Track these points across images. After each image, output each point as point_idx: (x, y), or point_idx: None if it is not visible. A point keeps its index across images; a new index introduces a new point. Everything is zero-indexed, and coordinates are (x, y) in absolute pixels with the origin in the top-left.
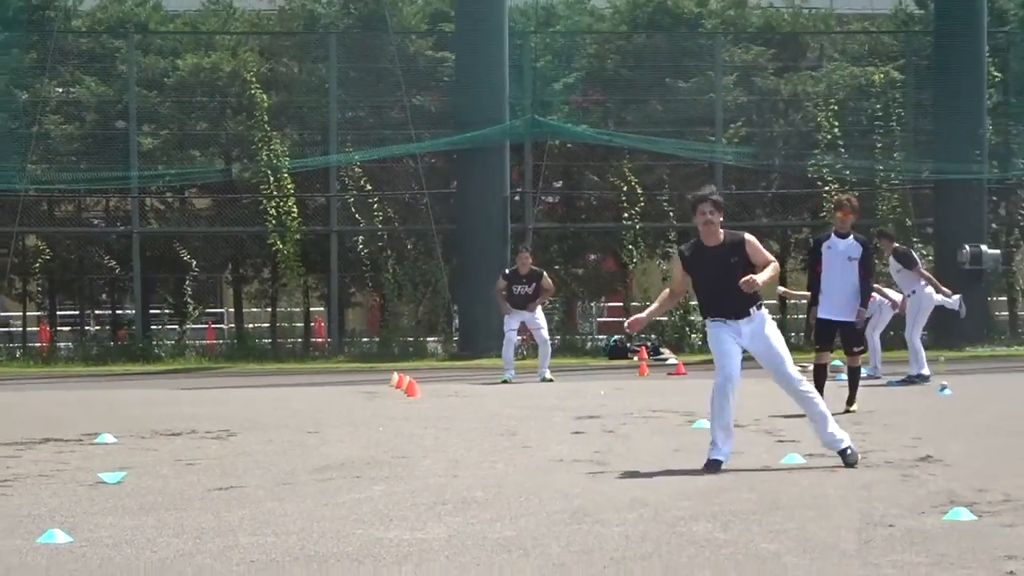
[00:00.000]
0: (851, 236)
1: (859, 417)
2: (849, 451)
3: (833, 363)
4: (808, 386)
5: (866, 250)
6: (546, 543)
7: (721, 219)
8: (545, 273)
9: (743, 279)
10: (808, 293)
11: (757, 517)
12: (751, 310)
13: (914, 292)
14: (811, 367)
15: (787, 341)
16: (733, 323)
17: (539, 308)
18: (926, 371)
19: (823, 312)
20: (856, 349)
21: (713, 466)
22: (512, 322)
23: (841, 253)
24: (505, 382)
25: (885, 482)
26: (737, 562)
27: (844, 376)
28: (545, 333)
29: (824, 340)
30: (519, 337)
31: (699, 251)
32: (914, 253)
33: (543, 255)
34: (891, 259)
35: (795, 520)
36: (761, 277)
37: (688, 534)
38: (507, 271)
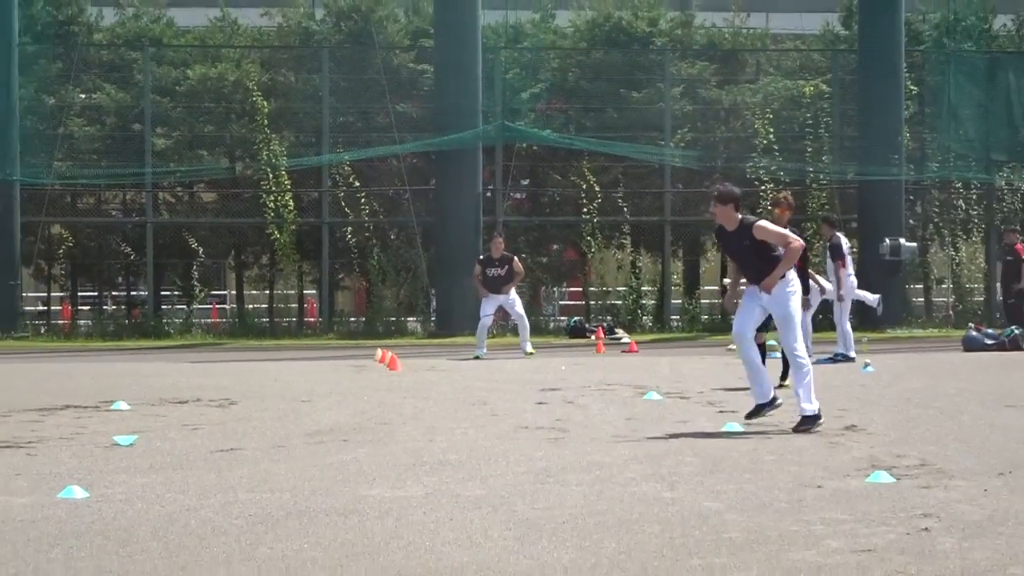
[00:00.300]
0: (787, 230)
1: (791, 392)
2: (814, 419)
3: (769, 342)
4: (802, 355)
5: None
6: (512, 501)
7: (730, 208)
8: (516, 258)
9: (762, 283)
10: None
11: (700, 478)
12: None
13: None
14: None
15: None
16: (757, 289)
17: (512, 290)
18: (852, 353)
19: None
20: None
21: (756, 411)
22: (488, 307)
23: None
24: (476, 358)
25: (814, 448)
26: (683, 518)
27: (778, 354)
28: (520, 309)
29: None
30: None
31: (722, 234)
32: (844, 247)
33: (511, 245)
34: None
35: (734, 481)
36: (774, 275)
37: (639, 493)
38: (481, 256)
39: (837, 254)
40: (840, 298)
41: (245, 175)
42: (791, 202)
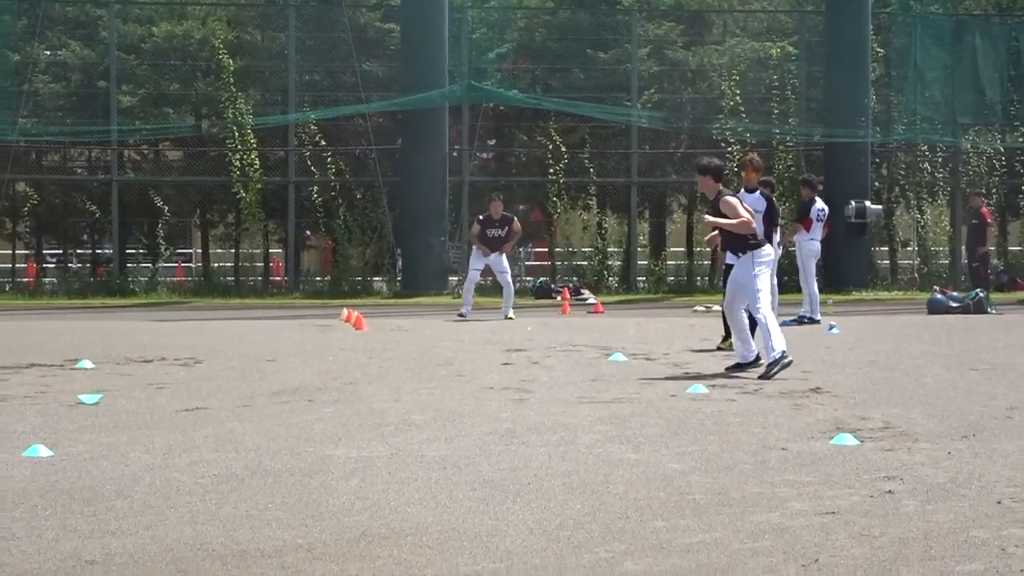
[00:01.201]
0: (757, 192)
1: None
2: (778, 361)
3: None
4: (765, 312)
5: (770, 204)
6: (477, 461)
7: (708, 179)
8: (515, 218)
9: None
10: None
11: (665, 440)
12: (739, 253)
13: (797, 242)
14: (716, 308)
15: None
16: (735, 258)
17: (504, 255)
18: (818, 316)
19: (730, 259)
20: None
21: (735, 368)
22: (477, 263)
23: (748, 206)
24: (461, 316)
25: (779, 410)
26: (647, 479)
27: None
28: (508, 278)
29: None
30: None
31: (712, 203)
32: (814, 209)
33: (477, 204)
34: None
35: (699, 443)
36: (713, 220)
37: (604, 454)
38: (481, 216)
39: (803, 214)
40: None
41: (211, 133)
42: (756, 163)
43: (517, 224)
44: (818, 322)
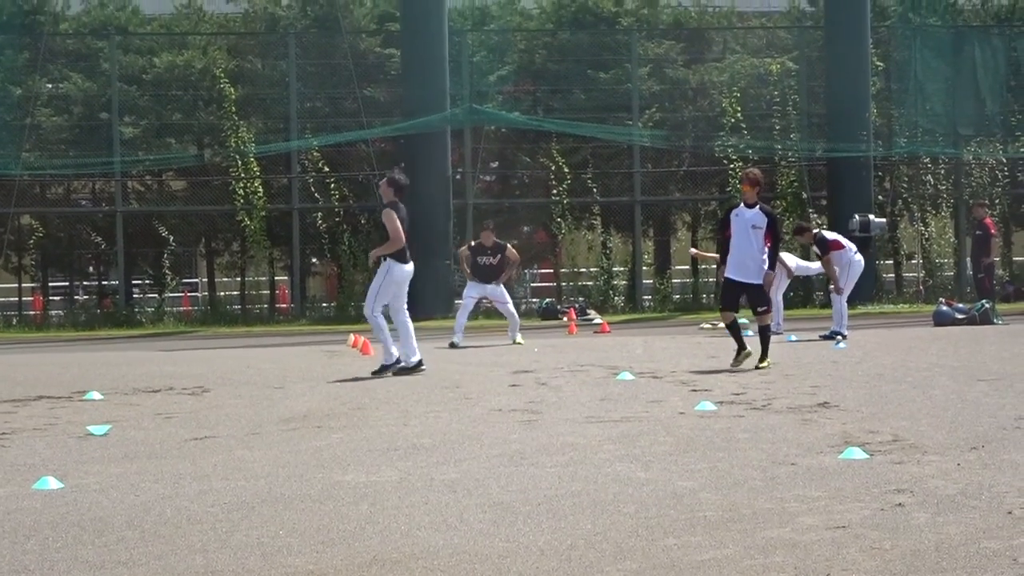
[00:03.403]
0: (757, 207)
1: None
2: (405, 365)
3: (741, 320)
4: (406, 319)
5: (771, 219)
6: (487, 484)
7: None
8: (509, 245)
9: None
10: (717, 255)
11: (674, 458)
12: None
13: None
14: (722, 325)
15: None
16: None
17: (502, 285)
18: (845, 331)
19: (730, 273)
20: (760, 309)
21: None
22: (472, 290)
23: (747, 221)
24: (453, 345)
25: (787, 426)
26: (657, 498)
27: (751, 332)
28: (511, 307)
29: (728, 300)
30: (485, 303)
31: None
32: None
33: (481, 227)
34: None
35: (708, 460)
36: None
37: (613, 474)
38: (472, 243)
39: (824, 248)
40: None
41: (214, 162)
42: (756, 177)
43: (512, 252)
44: (846, 337)
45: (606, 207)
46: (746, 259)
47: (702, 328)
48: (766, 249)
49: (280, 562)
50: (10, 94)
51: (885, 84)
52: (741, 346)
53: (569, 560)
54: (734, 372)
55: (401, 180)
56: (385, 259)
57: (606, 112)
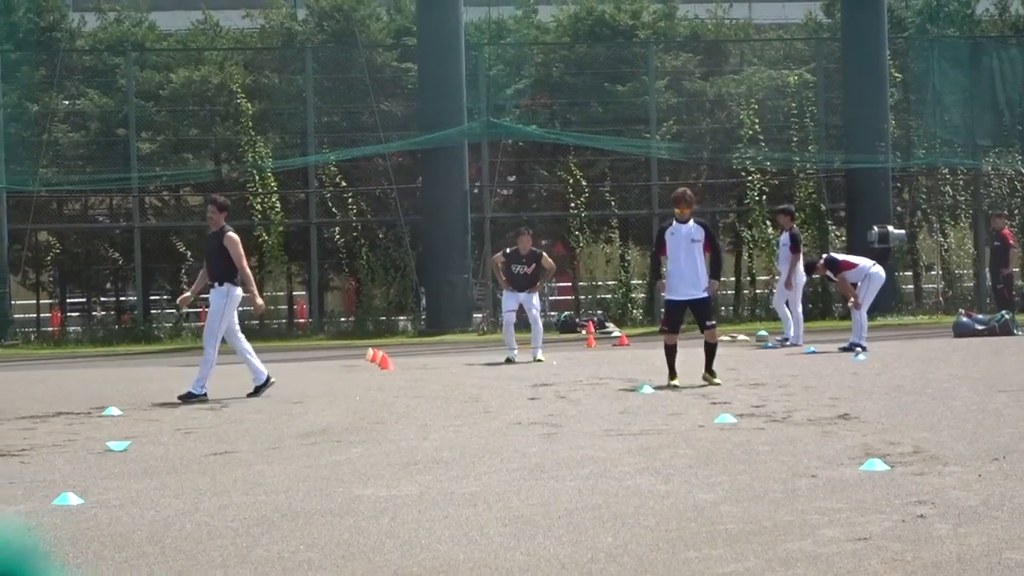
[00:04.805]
0: (691, 221)
1: (784, 380)
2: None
3: (759, 333)
4: (247, 346)
5: (707, 231)
6: (507, 497)
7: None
8: (544, 254)
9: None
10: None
11: (694, 471)
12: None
13: (866, 277)
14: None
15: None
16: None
17: (536, 294)
18: (864, 343)
19: (671, 295)
20: (710, 324)
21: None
22: (510, 303)
23: (684, 236)
24: (509, 361)
25: (807, 438)
26: (678, 511)
27: (771, 344)
28: (537, 314)
29: (673, 322)
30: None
31: None
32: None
33: (499, 241)
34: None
35: (728, 473)
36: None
37: (633, 487)
38: (507, 250)
39: (797, 245)
40: (788, 285)
41: (231, 177)
42: (686, 198)
43: (548, 260)
44: (865, 348)
45: (624, 220)
46: (687, 275)
47: (720, 340)
48: (707, 260)
49: None
50: (27, 111)
51: (903, 95)
52: (673, 374)
53: (590, 573)
54: (754, 386)
55: (228, 203)
56: (222, 283)
57: (623, 125)
